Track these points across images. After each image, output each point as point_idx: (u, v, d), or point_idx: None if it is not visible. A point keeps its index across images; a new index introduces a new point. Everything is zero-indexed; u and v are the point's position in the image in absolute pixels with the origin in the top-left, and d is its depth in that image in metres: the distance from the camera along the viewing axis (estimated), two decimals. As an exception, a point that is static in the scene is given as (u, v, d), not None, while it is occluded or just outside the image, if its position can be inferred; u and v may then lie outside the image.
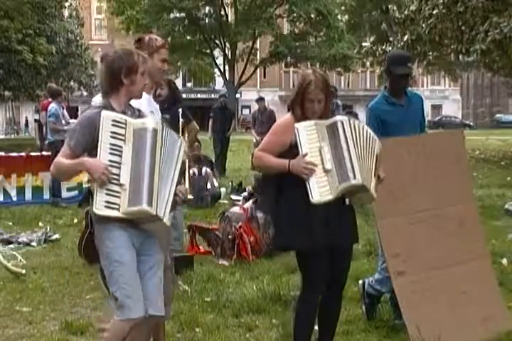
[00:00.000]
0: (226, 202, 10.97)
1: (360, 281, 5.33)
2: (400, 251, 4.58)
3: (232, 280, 6.32)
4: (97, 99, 8.33)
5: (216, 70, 51.18)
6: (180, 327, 4.82)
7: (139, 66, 3.66)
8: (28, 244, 8.10)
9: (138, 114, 3.74)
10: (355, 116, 11.68)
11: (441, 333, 4.30)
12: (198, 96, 53.89)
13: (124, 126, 3.51)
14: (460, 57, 23.32)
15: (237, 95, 51.91)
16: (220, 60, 49.18)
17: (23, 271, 6.64)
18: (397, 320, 4.84)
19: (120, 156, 3.48)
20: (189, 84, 57.53)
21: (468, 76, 63.78)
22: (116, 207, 3.45)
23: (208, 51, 48.09)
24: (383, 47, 25.01)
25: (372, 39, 30.08)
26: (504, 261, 6.70)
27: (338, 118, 3.90)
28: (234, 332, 4.92)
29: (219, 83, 55.53)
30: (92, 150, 3.50)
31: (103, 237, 3.58)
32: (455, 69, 31.32)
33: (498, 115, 65.44)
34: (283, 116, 4.15)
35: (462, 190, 4.93)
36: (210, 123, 15.39)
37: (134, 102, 3.79)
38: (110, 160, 3.47)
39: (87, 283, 6.26)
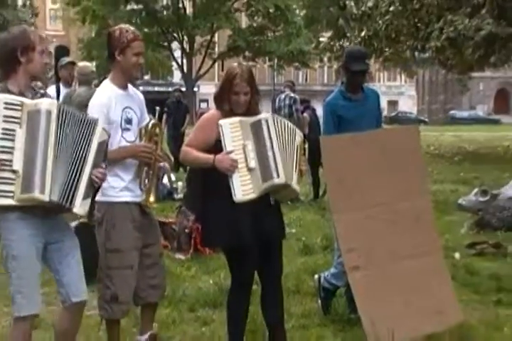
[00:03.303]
0: (183, 196, 10.91)
1: (316, 276, 5.36)
2: (356, 245, 4.61)
3: (189, 275, 6.32)
4: (49, 91, 8.20)
5: (174, 63, 50.89)
6: (136, 322, 4.78)
7: (35, 44, 3.52)
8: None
9: (40, 96, 3.59)
10: (313, 110, 11.72)
11: (396, 327, 4.34)
12: (156, 89, 53.52)
13: (19, 108, 3.33)
14: (416, 53, 23.57)
15: (195, 88, 51.71)
16: (177, 53, 48.89)
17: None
18: (352, 314, 4.89)
19: (13, 141, 3.30)
20: (146, 77, 57.06)
21: (424, 72, 64.53)
22: (10, 194, 3.29)
23: (166, 44, 47.78)
24: (340, 42, 25.17)
25: (329, 34, 30.17)
26: (457, 255, 6.83)
27: (262, 116, 3.93)
28: (190, 326, 4.92)
29: (176, 76, 55.21)
30: None
31: (3, 228, 3.45)
32: (411, 65, 31.61)
33: (452, 111, 66.47)
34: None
35: (417, 185, 4.98)
36: (164, 118, 15.27)
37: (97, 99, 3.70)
38: (1, 146, 3.29)
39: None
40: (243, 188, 3.80)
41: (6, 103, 3.32)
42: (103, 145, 3.62)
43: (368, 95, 5.15)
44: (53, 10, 60.58)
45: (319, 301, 5.20)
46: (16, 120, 3.33)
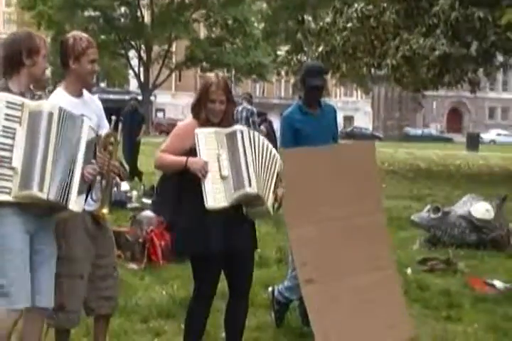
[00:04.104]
0: (137, 205, 10.84)
1: (270, 288, 5.38)
2: (310, 259, 4.63)
3: (142, 285, 6.27)
4: None
5: (130, 72, 50.65)
6: (86, 331, 4.73)
7: (40, 48, 3.61)
8: None
9: (38, 98, 3.65)
10: (270, 123, 11.81)
11: (348, 340, 4.38)
12: (111, 97, 53.11)
13: (19, 108, 3.42)
14: (372, 70, 23.89)
15: (152, 98, 51.52)
16: (134, 62, 48.70)
17: None
18: (305, 327, 4.91)
19: (13, 139, 3.39)
20: (102, 85, 56.62)
21: (379, 89, 65.34)
22: (7, 191, 3.36)
23: (123, 52, 47.55)
24: (298, 57, 25.29)
25: (287, 48, 30.36)
26: (409, 270, 6.91)
27: (237, 127, 3.96)
28: (142, 337, 4.88)
29: (133, 84, 54.94)
30: None
31: None
32: (367, 82, 32.03)
33: (406, 128, 67.49)
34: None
35: (372, 200, 5.04)
36: (120, 126, 15.16)
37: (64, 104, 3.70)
38: (2, 143, 3.36)
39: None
40: (215, 196, 3.80)
41: (8, 102, 3.40)
42: (92, 143, 3.70)
43: (325, 110, 5.20)
44: (7, 13, 59.57)
45: (273, 314, 5.21)
46: (16, 119, 3.41)
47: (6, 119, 3.39)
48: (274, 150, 4.05)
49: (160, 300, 5.66)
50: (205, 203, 3.78)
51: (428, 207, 8.54)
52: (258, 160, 3.92)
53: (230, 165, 3.85)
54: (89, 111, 4.09)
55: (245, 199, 3.88)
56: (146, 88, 47.27)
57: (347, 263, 4.76)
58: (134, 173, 14.79)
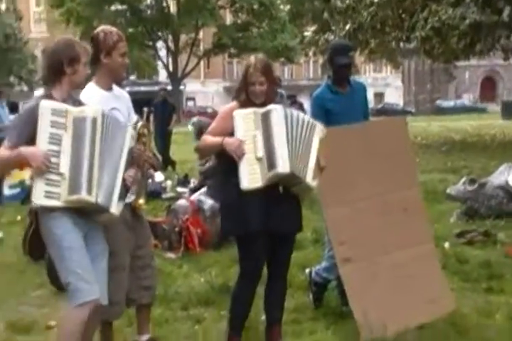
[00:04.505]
0: (172, 194, 10.92)
1: (307, 269, 5.38)
2: (346, 238, 4.62)
3: (180, 273, 6.31)
4: (39, 94, 8.18)
5: (159, 62, 50.78)
6: (129, 322, 4.78)
7: (81, 56, 3.67)
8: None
9: (78, 104, 3.72)
10: (300, 105, 11.74)
11: (388, 318, 4.36)
12: (142, 88, 53.38)
13: (64, 114, 3.50)
14: (401, 44, 23.60)
15: (181, 87, 51.63)
16: (163, 52, 48.80)
17: None
18: (344, 307, 4.90)
19: (59, 145, 3.48)
20: (132, 77, 56.91)
21: (409, 63, 64.50)
22: (56, 196, 3.45)
23: (151, 43, 47.66)
24: (325, 36, 25.10)
25: (314, 28, 30.10)
26: (446, 244, 6.85)
27: (272, 106, 3.97)
28: (183, 324, 4.92)
29: (162, 75, 55.10)
30: (33, 141, 3.47)
31: (49, 226, 3.56)
32: (396, 56, 31.65)
33: (438, 101, 66.61)
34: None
35: (406, 176, 5.00)
36: (152, 117, 15.28)
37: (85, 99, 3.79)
38: (49, 150, 3.46)
39: (32, 280, 6.16)
40: (250, 177, 3.88)
41: (53, 109, 3.49)
42: (131, 150, 3.79)
43: (355, 88, 5.15)
44: (37, 12, 60.25)
45: (311, 295, 5.21)
46: (61, 126, 3.50)
47: (52, 126, 3.48)
48: (311, 122, 4.04)
49: (199, 287, 5.69)
50: (240, 184, 3.87)
51: (464, 179, 8.43)
52: (294, 137, 3.93)
53: (263, 146, 3.89)
54: (120, 104, 4.16)
55: (279, 179, 3.90)
56: (175, 78, 47.36)
57: (384, 240, 4.74)
58: (167, 163, 14.89)
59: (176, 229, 7.20)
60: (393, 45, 23.75)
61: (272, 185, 3.92)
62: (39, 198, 3.46)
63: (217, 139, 4.01)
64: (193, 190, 9.53)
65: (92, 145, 3.52)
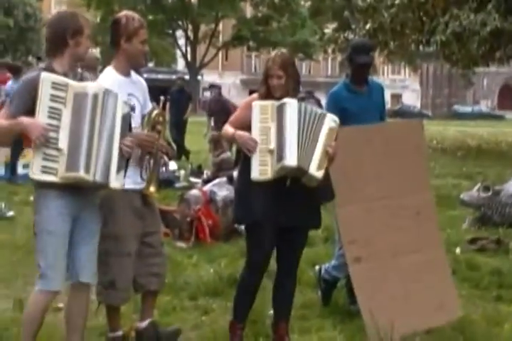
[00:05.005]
0: (185, 184, 10.93)
1: (317, 267, 5.38)
2: (357, 237, 4.62)
3: (190, 263, 6.33)
4: (40, 65, 8.16)
5: (178, 51, 50.78)
6: (136, 308, 4.79)
7: (84, 28, 3.62)
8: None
9: (80, 77, 3.69)
10: (318, 101, 11.68)
11: (395, 320, 4.35)
12: (159, 76, 53.40)
13: (64, 88, 3.43)
14: (420, 47, 23.49)
15: (199, 77, 51.63)
16: (182, 41, 48.80)
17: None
18: (352, 306, 4.90)
19: (59, 120, 3.41)
20: (150, 64, 56.93)
21: (428, 66, 64.33)
22: (54, 171, 3.40)
23: (170, 31, 47.66)
24: (345, 34, 25.04)
25: (334, 26, 30.04)
26: (458, 250, 6.83)
27: (286, 100, 3.98)
28: (190, 314, 4.94)
29: (180, 64, 55.11)
30: (32, 113, 3.41)
31: (40, 204, 3.55)
32: (415, 59, 31.56)
33: (455, 106, 66.37)
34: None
35: (419, 179, 4.99)
36: (168, 106, 15.28)
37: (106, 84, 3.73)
38: (48, 124, 3.39)
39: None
40: (260, 168, 3.92)
41: (53, 83, 3.42)
42: (127, 118, 3.71)
43: (373, 88, 5.13)
44: (58, -5, 60.29)
45: (319, 292, 5.21)
46: (61, 100, 3.42)
47: (52, 100, 3.40)
48: (321, 113, 4.03)
49: (208, 278, 5.70)
50: (251, 175, 3.92)
51: (478, 185, 8.39)
52: (305, 131, 3.94)
53: (276, 138, 3.92)
54: (137, 90, 4.14)
55: (287, 172, 3.92)
56: (193, 67, 47.39)
57: (395, 242, 4.73)
58: (182, 152, 14.89)
59: (188, 218, 7.22)
60: (412, 48, 23.63)
61: (281, 178, 3.95)
62: (37, 173, 3.39)
63: (231, 131, 4.10)
64: (206, 181, 9.55)
65: (92, 122, 3.44)
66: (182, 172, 11.69)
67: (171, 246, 6.81)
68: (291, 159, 3.85)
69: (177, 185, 10.93)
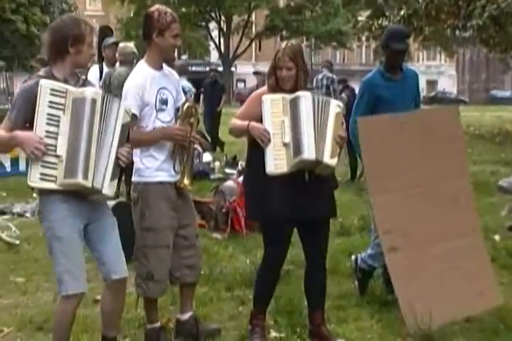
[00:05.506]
0: (220, 175, 10.96)
1: (353, 256, 5.35)
2: (393, 226, 4.58)
3: (226, 254, 6.35)
4: (92, 71, 8.19)
5: (211, 43, 50.82)
6: (173, 300, 4.83)
7: (86, 36, 3.55)
8: (21, 215, 8.12)
9: (82, 83, 3.64)
10: (352, 90, 11.60)
11: (433, 308, 4.31)
12: (193, 69, 53.56)
13: (63, 95, 3.39)
14: (456, 32, 23.16)
15: (232, 68, 51.65)
16: (215, 33, 48.83)
17: (17, 242, 6.65)
18: (389, 295, 4.87)
19: (58, 126, 3.38)
20: (184, 57, 57.12)
21: (464, 52, 63.34)
22: (53, 179, 3.37)
23: (203, 24, 47.71)
24: (379, 21, 24.80)
25: (368, 13, 29.78)
26: (496, 237, 6.75)
27: (300, 93, 3.95)
28: (227, 305, 4.96)
29: (214, 56, 55.17)
30: (32, 120, 3.38)
31: (45, 210, 3.53)
32: (451, 44, 31.12)
33: (493, 91, 65.33)
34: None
35: (456, 166, 4.93)
36: (201, 97, 15.32)
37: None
38: (47, 131, 3.36)
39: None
40: (276, 162, 3.88)
41: (52, 89, 3.38)
42: (126, 128, 3.65)
43: (407, 75, 5.08)
44: (92, -10, 60.74)
45: (356, 282, 5.19)
46: (60, 106, 3.39)
47: (50, 107, 3.37)
48: (328, 101, 3.99)
49: (244, 269, 5.72)
50: (266, 169, 3.87)
51: (517, 172, 8.28)
52: (319, 123, 3.91)
53: (291, 132, 3.88)
54: (169, 84, 4.15)
55: (305, 165, 3.91)
56: (226, 59, 47.41)
57: (431, 230, 4.68)
58: (216, 144, 14.92)
59: (223, 210, 7.24)
60: (448, 33, 23.30)
61: (297, 172, 3.92)
62: (35, 181, 3.36)
63: (244, 123, 4.03)
64: (241, 172, 9.54)
65: (90, 128, 3.40)
66: (217, 163, 11.71)
67: (207, 238, 6.85)
68: (310, 152, 3.83)
69: (212, 176, 10.95)
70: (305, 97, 3.92)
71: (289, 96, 3.94)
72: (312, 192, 4.04)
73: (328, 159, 3.91)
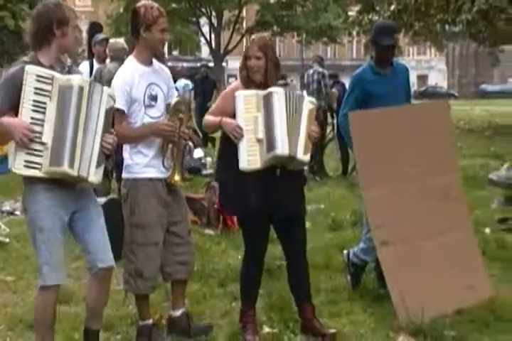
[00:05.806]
0: (212, 171, 10.93)
1: (345, 251, 5.36)
2: (385, 221, 4.59)
3: (218, 250, 6.35)
4: (82, 67, 8.16)
5: (202, 39, 50.68)
6: (166, 297, 4.83)
7: (70, 19, 3.56)
8: (11, 213, 8.11)
9: (68, 70, 3.63)
10: (342, 85, 11.62)
11: (426, 302, 4.33)
12: (184, 64, 53.47)
13: (50, 81, 3.37)
14: (446, 27, 23.19)
15: (224, 64, 51.54)
16: (205, 29, 48.68)
17: (7, 240, 6.63)
18: (381, 289, 4.89)
19: (44, 113, 3.36)
20: (175, 53, 56.97)
21: (454, 46, 63.50)
22: (38, 166, 3.35)
23: (194, 19, 47.55)
24: (369, 16, 24.79)
25: (358, 8, 29.78)
26: (487, 230, 6.78)
27: (273, 89, 3.96)
28: (220, 301, 4.96)
29: (205, 52, 55.04)
30: (18, 107, 3.36)
31: (28, 200, 3.52)
32: (441, 39, 31.17)
33: (483, 85, 65.45)
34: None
35: (446, 160, 4.95)
36: (193, 93, 15.32)
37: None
38: (33, 118, 3.33)
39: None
40: (249, 158, 3.91)
41: (38, 76, 3.36)
42: (110, 112, 3.65)
43: (397, 70, 5.09)
44: (81, -14, 60.44)
45: (348, 276, 5.20)
46: (46, 93, 3.37)
47: (36, 93, 3.35)
48: (301, 97, 4.02)
49: (236, 264, 5.68)
50: (239, 165, 3.89)
51: (506, 164, 8.29)
52: (293, 119, 3.94)
53: (264, 128, 3.90)
54: (159, 79, 4.14)
55: (278, 161, 3.93)
56: (217, 54, 47.24)
57: (422, 224, 4.70)
58: (208, 139, 14.89)
59: (215, 206, 7.23)
60: (438, 28, 23.32)
61: (269, 168, 3.95)
62: (19, 168, 3.34)
63: (216, 119, 4.04)
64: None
65: (77, 116, 3.38)
66: (208, 159, 11.69)
67: (199, 234, 6.84)
68: (283, 148, 3.86)
69: (204, 172, 10.95)
70: (278, 93, 3.93)
71: (262, 92, 3.95)
72: (285, 188, 4.06)
73: (302, 155, 3.95)
